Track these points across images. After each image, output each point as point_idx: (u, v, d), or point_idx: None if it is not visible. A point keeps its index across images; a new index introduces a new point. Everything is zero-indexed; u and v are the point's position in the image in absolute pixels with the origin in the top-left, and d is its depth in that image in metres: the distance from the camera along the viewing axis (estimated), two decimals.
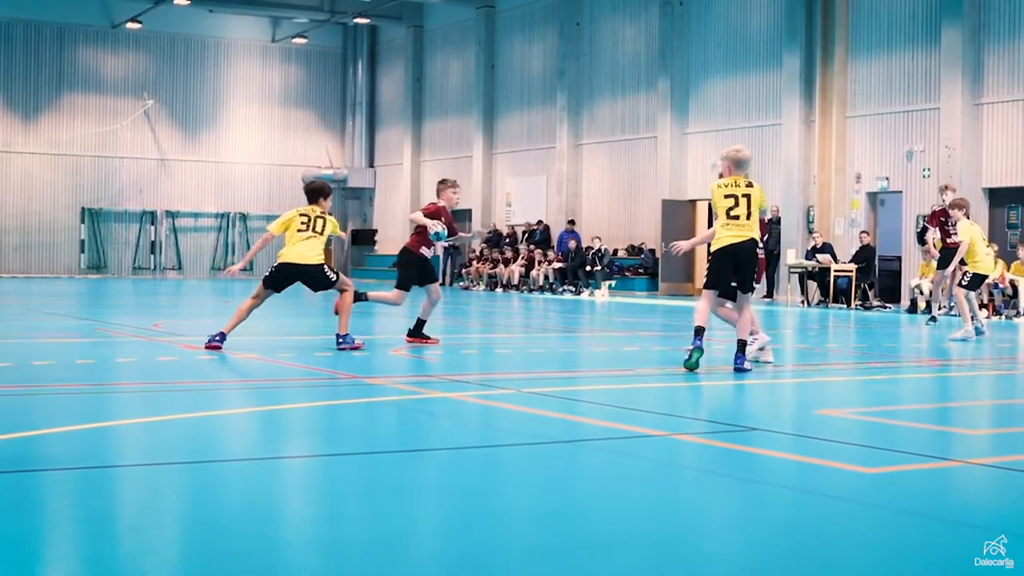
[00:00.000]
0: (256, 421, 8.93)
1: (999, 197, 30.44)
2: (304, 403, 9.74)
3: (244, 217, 51.37)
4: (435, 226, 15.52)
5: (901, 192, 32.38)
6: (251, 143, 51.79)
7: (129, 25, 48.54)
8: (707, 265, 12.82)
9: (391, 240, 51.61)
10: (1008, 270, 26.60)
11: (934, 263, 28.00)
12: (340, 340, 14.22)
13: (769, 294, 34.18)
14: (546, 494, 6.26)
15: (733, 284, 12.76)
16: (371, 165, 53.82)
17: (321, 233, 14.36)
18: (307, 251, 14.25)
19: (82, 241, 48.72)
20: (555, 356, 14.77)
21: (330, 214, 14.91)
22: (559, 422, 8.78)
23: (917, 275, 28.86)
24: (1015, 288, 26.22)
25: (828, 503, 6.07)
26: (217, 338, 13.79)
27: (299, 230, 14.32)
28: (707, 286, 12.84)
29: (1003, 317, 25.85)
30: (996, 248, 27.21)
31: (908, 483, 6.59)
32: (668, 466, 7.09)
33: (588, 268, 37.92)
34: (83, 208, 48.57)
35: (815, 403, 10.54)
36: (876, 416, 9.26)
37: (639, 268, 38.20)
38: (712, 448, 7.62)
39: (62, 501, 5.99)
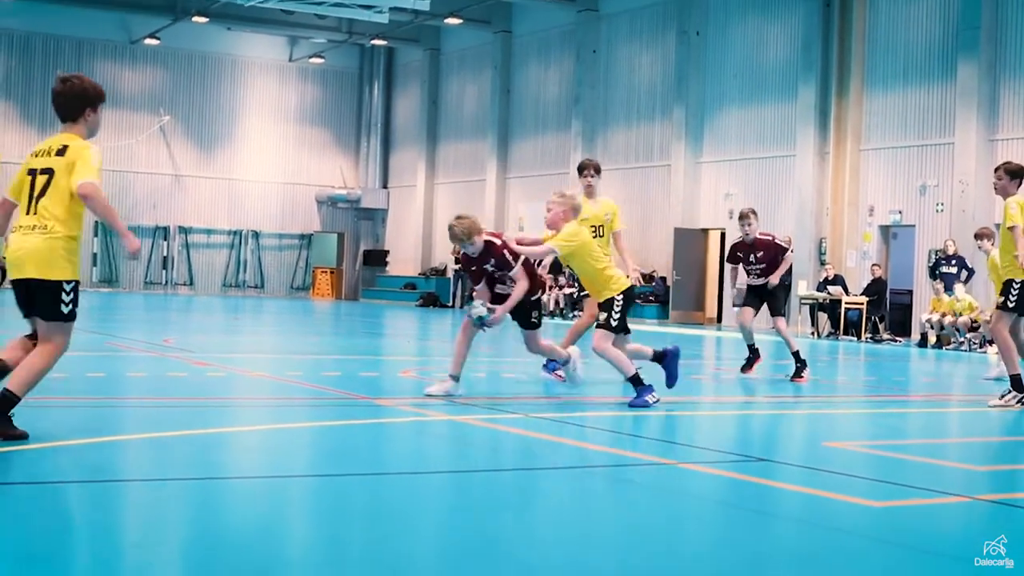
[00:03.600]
0: (264, 439, 8.93)
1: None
2: (312, 422, 9.74)
3: (256, 235, 51.45)
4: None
5: (914, 226, 32.36)
6: (265, 161, 51.88)
7: (147, 41, 48.72)
8: (615, 315, 11.65)
9: (403, 261, 51.67)
10: None
11: (946, 297, 28.02)
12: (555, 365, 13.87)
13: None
14: (552, 521, 6.26)
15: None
16: (385, 186, 53.88)
17: None
18: None
19: (94, 254, 48.79)
20: (560, 382, 14.75)
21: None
22: (565, 448, 8.78)
23: (928, 309, 28.81)
24: None
25: (836, 537, 6.06)
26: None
27: None
28: (620, 329, 11.81)
29: None
30: None
31: (914, 518, 6.58)
32: (676, 495, 7.08)
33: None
34: (96, 221, 48.61)
35: (823, 435, 10.53)
36: (883, 449, 9.26)
37: (650, 295, 38.18)
38: (720, 478, 7.61)
39: (70, 514, 5.99)
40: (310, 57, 52.26)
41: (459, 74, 50.18)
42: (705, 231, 38.59)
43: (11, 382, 7.94)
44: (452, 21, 45.75)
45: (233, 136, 51.80)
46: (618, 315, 11.65)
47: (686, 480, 7.57)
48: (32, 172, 8.53)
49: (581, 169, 14.64)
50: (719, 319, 37.95)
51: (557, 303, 38.85)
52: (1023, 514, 6.77)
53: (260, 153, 51.89)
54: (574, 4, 42.54)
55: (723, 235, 37.79)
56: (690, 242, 38.21)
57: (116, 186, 49.10)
